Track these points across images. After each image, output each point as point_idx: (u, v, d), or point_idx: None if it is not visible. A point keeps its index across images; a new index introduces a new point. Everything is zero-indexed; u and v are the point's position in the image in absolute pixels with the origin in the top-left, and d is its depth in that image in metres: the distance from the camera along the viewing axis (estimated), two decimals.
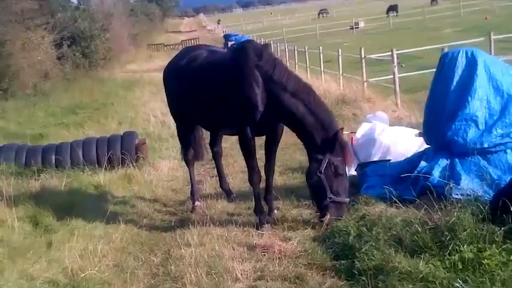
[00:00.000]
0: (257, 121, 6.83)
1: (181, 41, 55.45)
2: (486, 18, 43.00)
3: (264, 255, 6.15)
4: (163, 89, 8.64)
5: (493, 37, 14.42)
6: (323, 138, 6.58)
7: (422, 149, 8.55)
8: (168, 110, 9.05)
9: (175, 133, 9.12)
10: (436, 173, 6.84)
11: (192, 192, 8.41)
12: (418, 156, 7.41)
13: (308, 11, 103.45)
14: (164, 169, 10.83)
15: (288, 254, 6.07)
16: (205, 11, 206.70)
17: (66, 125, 16.95)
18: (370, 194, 7.22)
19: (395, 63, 15.47)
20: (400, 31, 46.33)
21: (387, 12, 63.92)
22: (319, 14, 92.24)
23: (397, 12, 65.42)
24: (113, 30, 41.87)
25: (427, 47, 18.52)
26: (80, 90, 25.15)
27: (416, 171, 7.02)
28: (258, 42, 14.03)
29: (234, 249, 6.40)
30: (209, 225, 7.20)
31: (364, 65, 17.16)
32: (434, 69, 7.55)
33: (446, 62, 7.23)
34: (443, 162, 6.91)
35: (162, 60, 34.09)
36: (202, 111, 7.62)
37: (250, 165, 7.13)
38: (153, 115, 17.08)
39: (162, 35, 78.88)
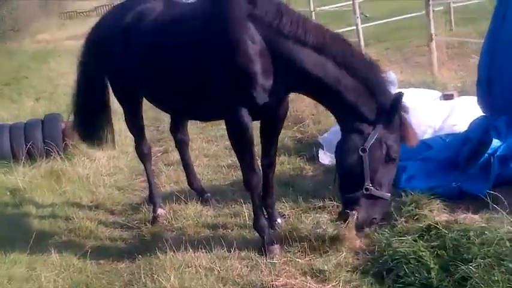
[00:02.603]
0: (257, 100, 4.54)
1: (95, 7, 51.12)
2: None
3: None
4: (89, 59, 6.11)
5: None
6: (371, 106, 4.38)
7: (451, 116, 6.52)
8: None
9: None
10: None
11: (152, 197, 6.00)
12: (481, 131, 5.26)
13: None
14: (102, 159, 8.27)
15: None
16: None
17: None
18: (416, 189, 5.05)
19: (358, 14, 13.95)
20: None
21: None
22: None
23: None
24: None
25: None
26: None
27: (487, 154, 4.91)
28: None
29: None
30: (186, 249, 4.90)
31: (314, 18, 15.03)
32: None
33: None
34: None
35: (77, 28, 30.80)
36: (166, 92, 5.23)
37: (247, 163, 4.81)
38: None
39: (76, 2, 73.89)
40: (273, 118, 4.98)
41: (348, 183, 4.46)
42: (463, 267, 3.65)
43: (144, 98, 5.73)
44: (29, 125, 8.65)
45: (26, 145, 8.26)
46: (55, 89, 15.02)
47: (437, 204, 4.84)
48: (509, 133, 4.95)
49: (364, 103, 4.37)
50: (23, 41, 31.75)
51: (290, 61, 4.40)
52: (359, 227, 4.46)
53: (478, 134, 5.25)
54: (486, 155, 4.91)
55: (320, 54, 4.35)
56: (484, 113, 5.54)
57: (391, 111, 4.33)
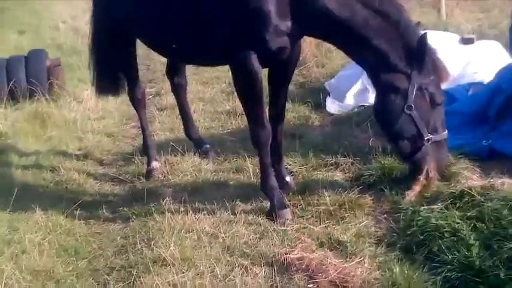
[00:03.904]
0: (269, 44, 3.94)
1: None
2: None
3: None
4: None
5: None
6: (402, 51, 3.92)
7: (471, 63, 5.97)
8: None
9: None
10: None
11: (146, 148, 5.46)
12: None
13: None
14: (90, 100, 7.61)
15: None
16: None
17: None
18: None
19: None
20: None
21: None
22: None
23: None
24: None
25: None
26: None
27: None
28: None
29: (246, 272, 3.62)
30: (186, 210, 4.42)
31: None
32: None
33: None
34: None
35: None
36: (164, 33, 4.59)
37: (256, 117, 4.25)
38: (61, 21, 13.54)
39: None
40: (284, 64, 4.40)
41: (407, 143, 4.11)
42: (510, 245, 3.18)
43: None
44: (11, 61, 7.94)
45: (8, 84, 7.58)
46: (40, 21, 14.03)
47: (467, 165, 4.34)
48: None
49: (396, 50, 3.92)
50: None
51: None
52: (440, 173, 4.18)
53: (511, 85, 4.69)
54: None
55: None
56: None
57: (421, 55, 3.92)
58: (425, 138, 4.02)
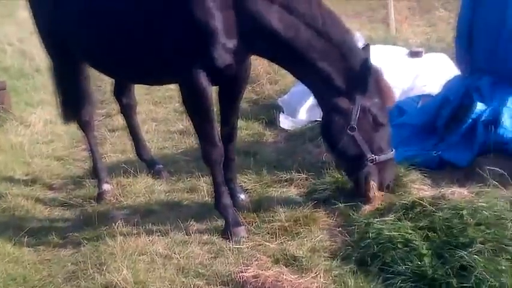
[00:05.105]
0: (217, 62, 3.92)
1: None
2: None
3: None
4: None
5: None
6: (345, 73, 3.93)
7: (420, 76, 6.08)
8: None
9: (43, 67, 5.68)
10: (508, 120, 4.32)
11: (96, 170, 5.34)
12: (462, 93, 4.78)
13: None
14: (38, 124, 7.48)
15: None
16: None
17: None
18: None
19: None
20: None
21: None
22: None
23: None
24: None
25: None
26: None
27: (470, 119, 4.46)
28: None
29: None
30: (138, 232, 4.33)
31: None
32: None
33: None
34: None
35: None
36: (107, 54, 4.52)
37: (206, 134, 4.20)
38: (7, 43, 13.19)
39: None
40: (234, 82, 4.38)
41: (351, 163, 4.14)
42: (461, 253, 3.19)
43: None
44: None
45: None
46: None
47: (417, 176, 4.39)
48: (494, 95, 4.51)
49: (339, 72, 3.94)
50: None
51: (256, 19, 3.80)
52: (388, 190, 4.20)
53: (458, 97, 4.79)
54: (470, 120, 4.46)
55: (291, 14, 3.79)
56: (461, 72, 5.05)
57: (364, 77, 3.92)
58: (369, 159, 4.02)
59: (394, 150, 4.16)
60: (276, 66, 7.65)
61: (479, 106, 4.48)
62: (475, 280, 2.98)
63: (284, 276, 3.45)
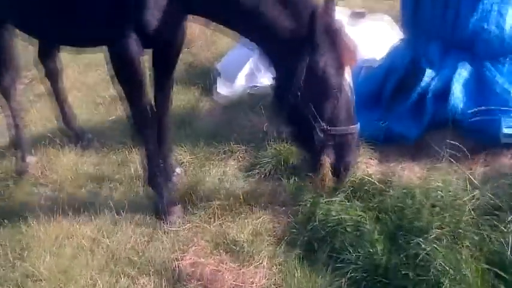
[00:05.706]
0: (147, 24, 3.49)
1: None
2: None
3: None
4: None
5: None
6: (293, 28, 3.37)
7: (364, 39, 5.79)
8: None
9: None
10: (458, 89, 4.09)
11: (18, 141, 4.87)
12: (408, 58, 4.49)
13: None
14: None
15: None
16: None
17: None
18: None
19: None
20: None
21: None
22: None
23: None
24: None
25: None
26: None
27: (420, 89, 4.21)
28: None
29: (133, 283, 3.24)
30: (64, 212, 3.95)
31: None
32: None
33: None
34: (465, 69, 4.15)
35: None
36: (27, 12, 4.01)
37: (136, 103, 3.81)
38: None
39: None
40: (168, 46, 3.99)
41: (299, 132, 3.55)
42: (417, 240, 2.93)
43: None
44: None
45: None
46: None
47: (364, 150, 4.10)
48: (444, 62, 4.24)
49: (285, 24, 3.38)
50: None
51: None
52: (337, 175, 3.44)
53: (404, 63, 4.49)
54: (419, 88, 4.20)
55: None
56: (407, 36, 4.75)
57: (312, 26, 3.29)
58: (319, 128, 3.39)
59: (357, 124, 3.49)
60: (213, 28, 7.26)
61: (428, 73, 4.19)
62: (434, 272, 2.72)
63: (224, 266, 3.17)
